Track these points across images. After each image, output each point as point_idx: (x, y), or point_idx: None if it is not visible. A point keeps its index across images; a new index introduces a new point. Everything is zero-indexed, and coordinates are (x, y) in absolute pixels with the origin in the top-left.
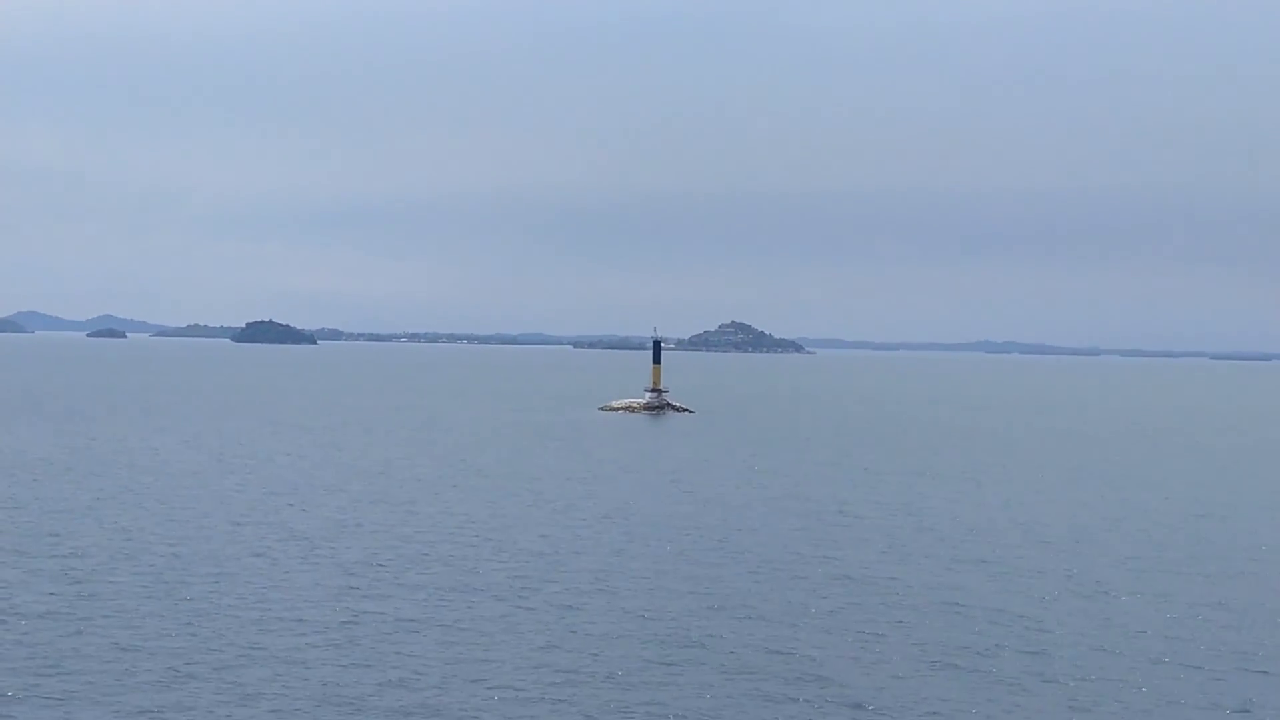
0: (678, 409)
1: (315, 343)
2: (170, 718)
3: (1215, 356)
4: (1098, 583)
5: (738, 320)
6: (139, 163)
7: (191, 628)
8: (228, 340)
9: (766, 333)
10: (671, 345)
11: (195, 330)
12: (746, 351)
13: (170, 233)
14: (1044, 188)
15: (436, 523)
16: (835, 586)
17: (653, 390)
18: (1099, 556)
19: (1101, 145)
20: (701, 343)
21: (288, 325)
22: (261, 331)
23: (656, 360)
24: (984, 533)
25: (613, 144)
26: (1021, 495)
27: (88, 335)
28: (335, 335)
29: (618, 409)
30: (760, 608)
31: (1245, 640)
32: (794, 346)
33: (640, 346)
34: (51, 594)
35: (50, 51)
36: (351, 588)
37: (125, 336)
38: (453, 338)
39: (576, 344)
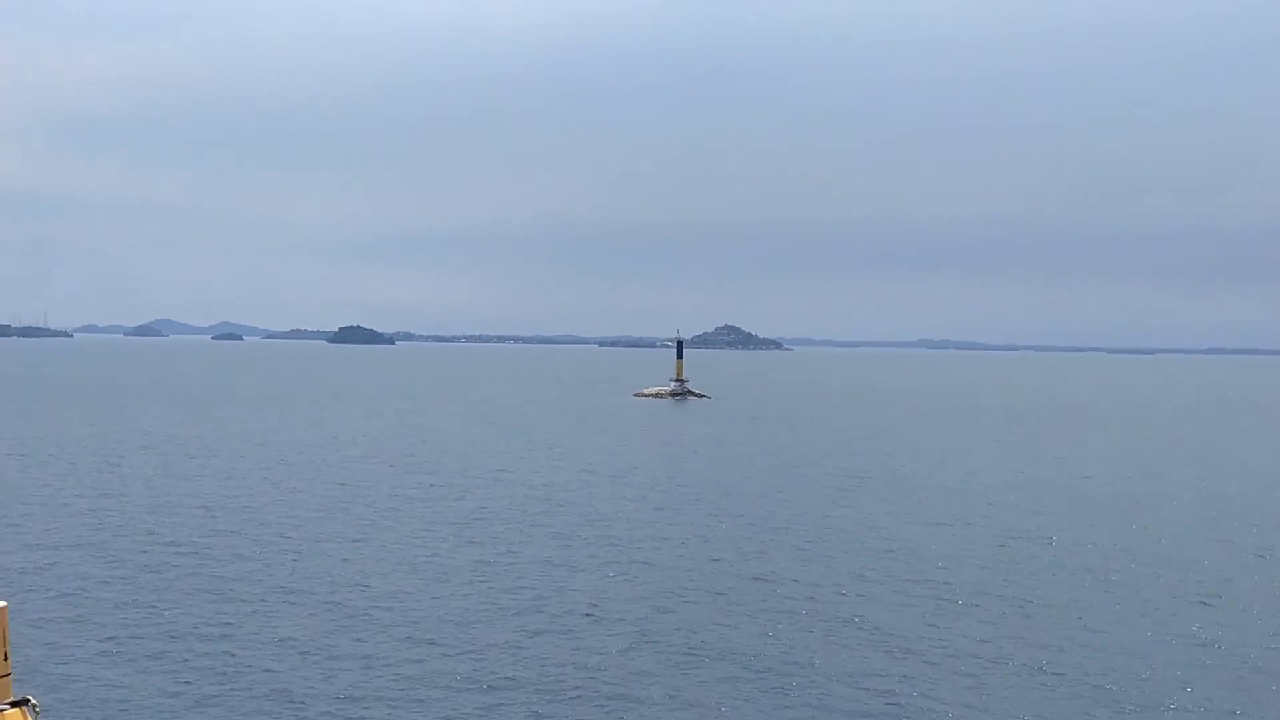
0: (696, 395)
1: (393, 343)
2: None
3: (1110, 351)
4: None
5: (730, 323)
6: (252, 200)
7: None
8: (324, 341)
9: (753, 333)
10: (678, 341)
11: (297, 334)
12: (737, 349)
13: (277, 255)
14: (972, 217)
15: (531, 489)
16: (819, 522)
17: (677, 380)
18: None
19: (1018, 184)
20: (700, 342)
21: (371, 329)
22: (350, 334)
23: (679, 356)
24: (956, 489)
25: (626, 182)
26: (967, 459)
27: (211, 338)
28: (409, 337)
29: (649, 395)
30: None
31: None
32: (775, 344)
33: (651, 345)
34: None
35: (181, 110)
36: (484, 536)
37: (241, 339)
38: (501, 338)
39: (600, 343)
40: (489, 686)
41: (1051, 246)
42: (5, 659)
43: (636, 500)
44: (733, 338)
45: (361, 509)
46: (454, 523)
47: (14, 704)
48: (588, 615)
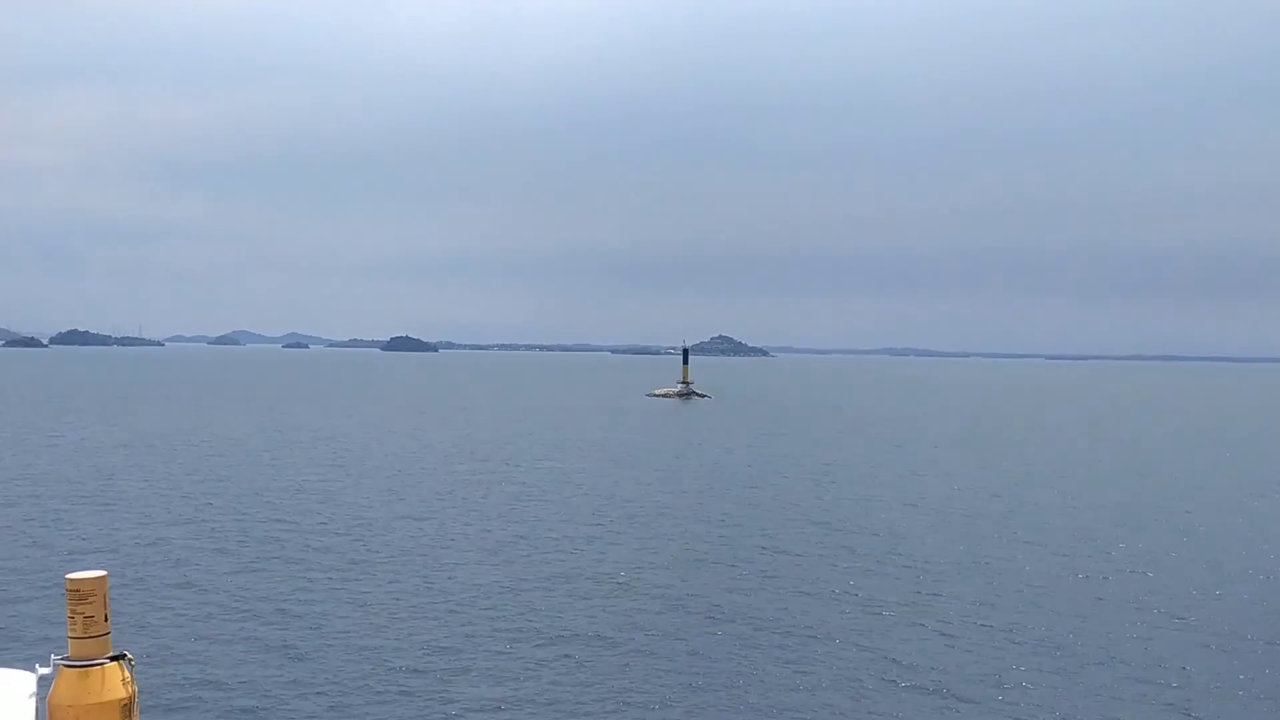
0: (700, 395)
1: (437, 351)
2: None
3: (1048, 357)
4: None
5: (723, 334)
6: (314, 228)
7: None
8: (377, 349)
9: (743, 342)
10: (675, 351)
11: (355, 343)
12: (729, 355)
13: (336, 275)
14: (928, 246)
15: (567, 474)
16: (809, 500)
17: (683, 383)
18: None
19: (965, 216)
20: (698, 350)
21: (418, 339)
22: (400, 343)
23: (685, 362)
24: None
25: (632, 214)
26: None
27: (282, 346)
28: (450, 346)
29: (660, 394)
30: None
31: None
32: (762, 352)
33: (656, 352)
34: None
35: (253, 152)
36: (537, 517)
37: (307, 347)
38: (528, 346)
39: (613, 350)
40: (542, 640)
41: (996, 267)
42: (105, 620)
43: (656, 482)
44: (725, 346)
45: (422, 491)
46: (503, 503)
47: (113, 658)
48: (621, 583)
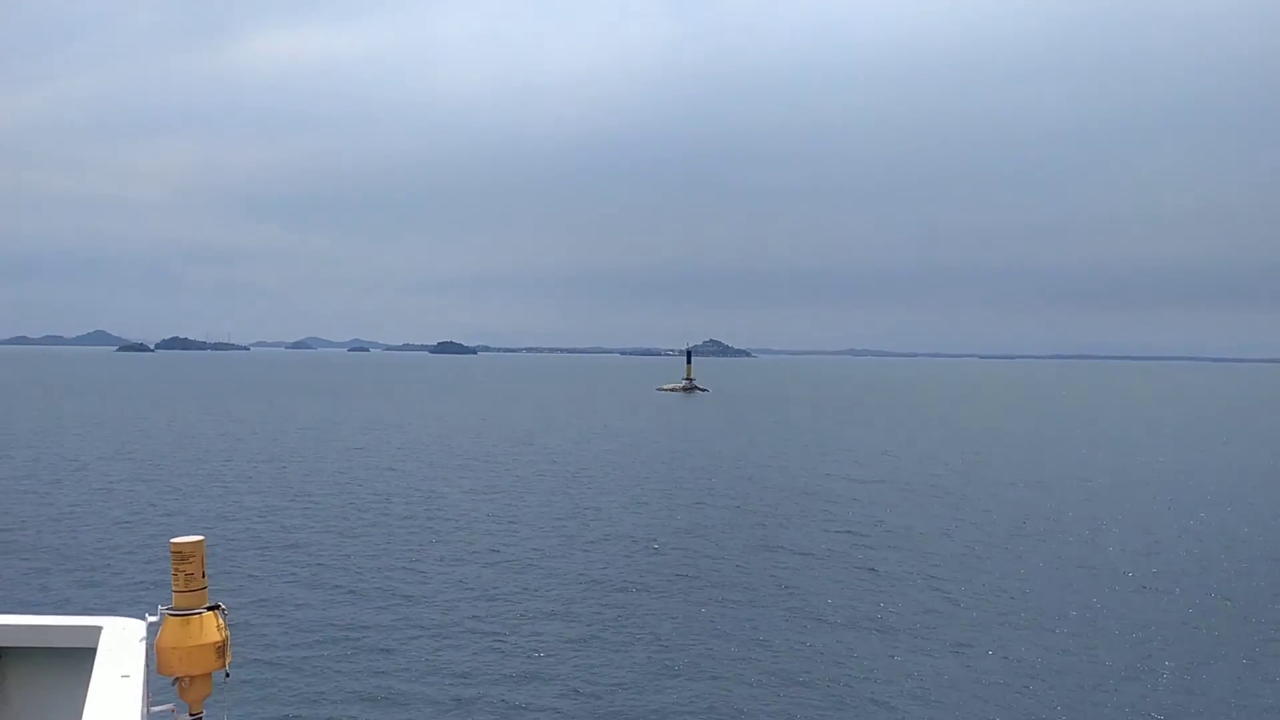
0: (700, 389)
1: (475, 353)
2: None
3: (982, 357)
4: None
5: (712, 338)
6: (373, 250)
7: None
8: (426, 352)
9: (729, 345)
10: (675, 353)
11: (407, 347)
12: (718, 356)
13: (392, 289)
14: (882, 265)
15: (594, 456)
16: (801, 476)
17: (687, 379)
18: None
19: (915, 237)
20: (696, 352)
21: (460, 343)
22: (445, 347)
23: (689, 362)
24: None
25: (637, 237)
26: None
27: (347, 350)
28: (486, 349)
29: (667, 389)
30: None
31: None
32: (745, 353)
33: (658, 354)
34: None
35: (322, 187)
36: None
37: (368, 350)
38: (551, 349)
39: (621, 352)
40: (569, 596)
41: (938, 283)
42: (203, 576)
43: (671, 463)
44: (714, 348)
45: (474, 471)
46: (544, 482)
47: (209, 608)
48: (648, 547)
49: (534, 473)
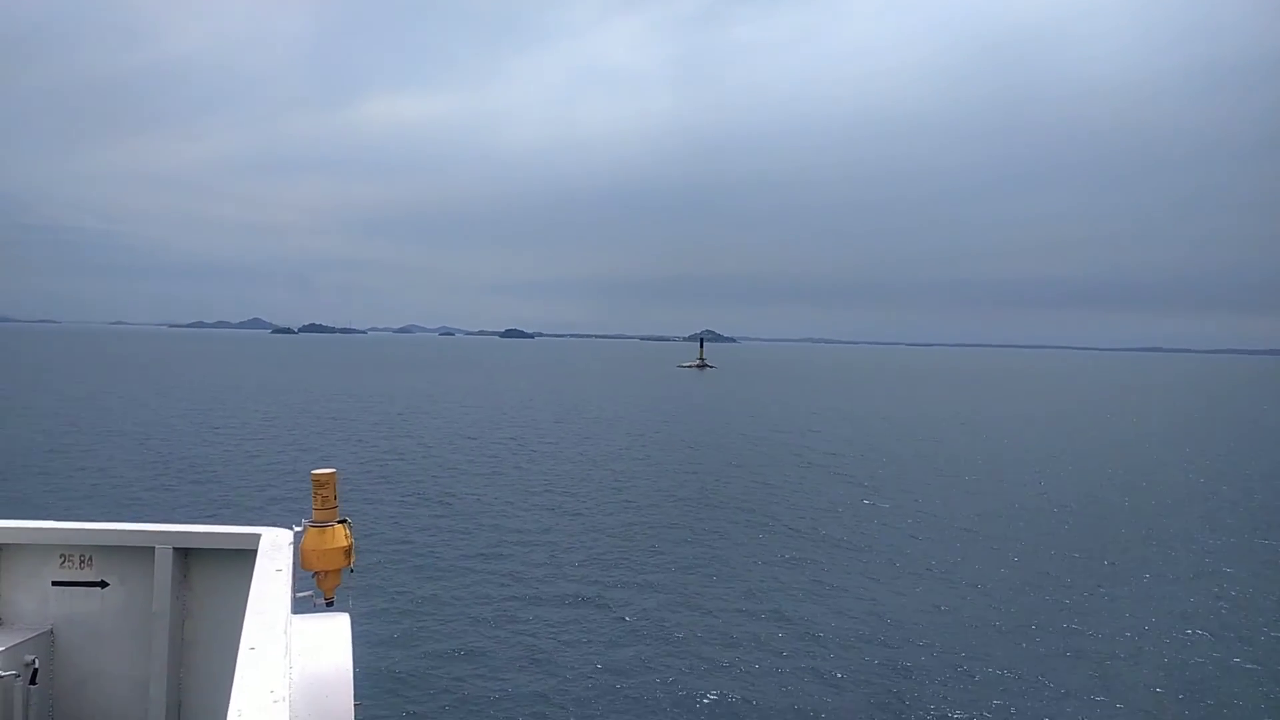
0: (711, 366)
1: (533, 338)
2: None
3: (910, 345)
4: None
5: (707, 328)
6: (456, 260)
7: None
8: (496, 337)
9: (720, 333)
10: (681, 339)
11: (482, 332)
12: (712, 342)
13: (472, 290)
14: (838, 274)
15: (635, 420)
16: (795, 437)
17: (700, 358)
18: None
19: (864, 251)
20: (691, 338)
21: (521, 330)
22: (511, 333)
23: (701, 345)
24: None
25: (651, 254)
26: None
27: (438, 334)
28: (541, 335)
29: (686, 366)
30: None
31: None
32: (732, 340)
33: (668, 340)
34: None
35: (419, 215)
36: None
37: (454, 334)
38: (587, 335)
39: (641, 339)
40: (605, 547)
41: (881, 289)
42: (335, 498)
43: (693, 422)
44: (710, 336)
45: (529, 441)
46: (613, 435)
47: (339, 521)
48: (675, 496)
49: (607, 423)
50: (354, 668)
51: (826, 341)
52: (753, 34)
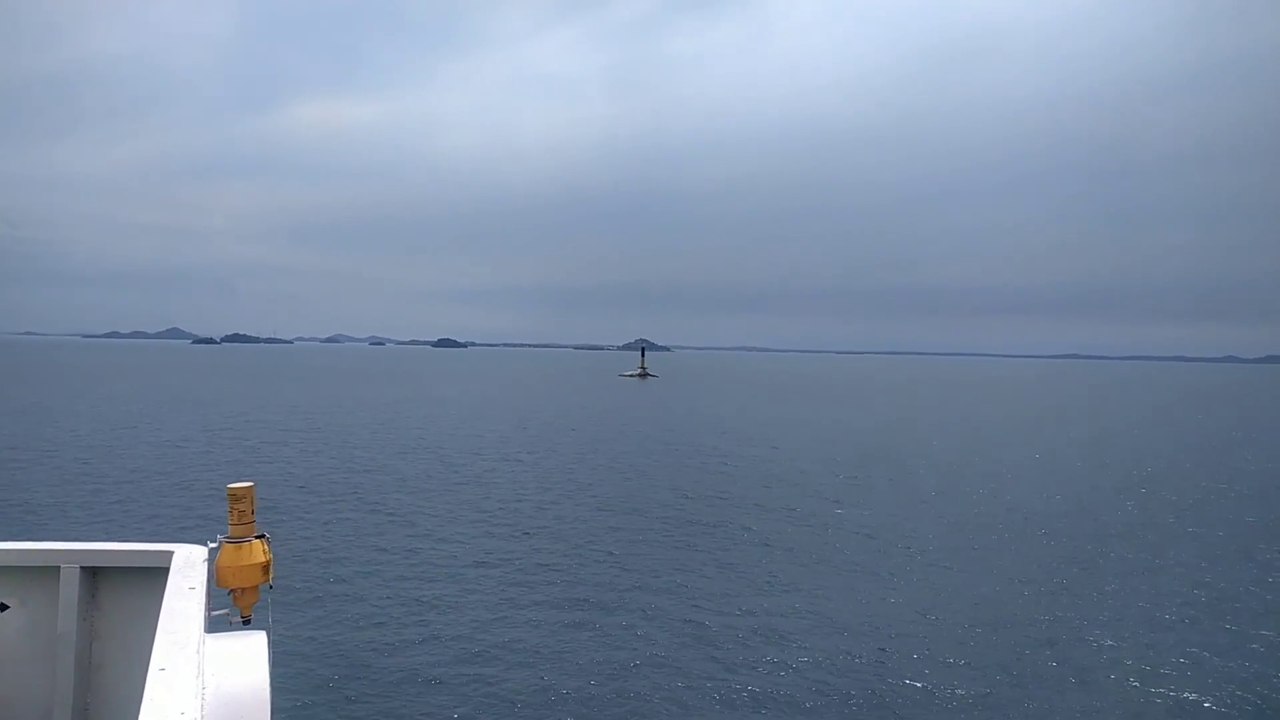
0: (653, 375)
1: (466, 347)
2: None
3: (838, 353)
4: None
5: (641, 337)
6: (390, 269)
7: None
8: (429, 346)
9: (654, 342)
10: (615, 348)
11: (414, 342)
12: (645, 351)
13: (404, 298)
14: (769, 284)
15: (576, 425)
16: (736, 435)
17: (642, 368)
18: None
19: (792, 263)
20: (629, 347)
21: (455, 339)
22: (444, 342)
23: (643, 355)
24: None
25: (584, 263)
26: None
27: (368, 344)
28: (473, 344)
29: (628, 375)
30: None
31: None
32: (666, 349)
33: (602, 349)
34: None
35: (353, 222)
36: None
37: (385, 344)
38: (521, 345)
39: (574, 347)
40: (539, 560)
41: (806, 298)
42: (252, 513)
43: (636, 429)
44: (644, 345)
45: (465, 454)
46: (525, 452)
47: (257, 537)
48: (628, 506)
49: (557, 433)
50: (272, 687)
51: (759, 350)
52: (689, 45)
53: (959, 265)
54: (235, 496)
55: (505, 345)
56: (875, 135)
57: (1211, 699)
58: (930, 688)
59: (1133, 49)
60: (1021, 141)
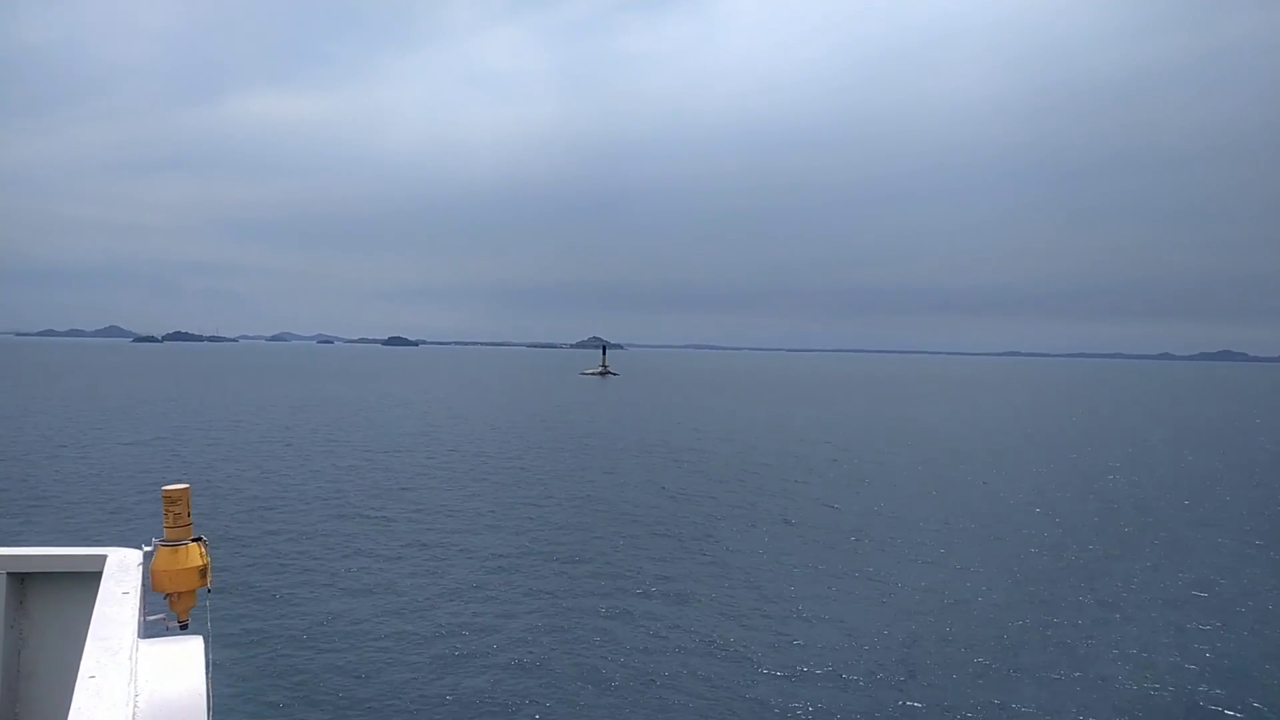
0: (613, 374)
1: (418, 346)
2: None
3: (788, 350)
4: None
5: (594, 335)
6: (339, 266)
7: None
8: (379, 345)
9: (608, 340)
10: (568, 346)
11: (363, 340)
12: (598, 349)
13: (354, 296)
14: (721, 283)
15: (543, 421)
16: (696, 430)
17: (603, 366)
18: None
19: (745, 263)
20: (582, 345)
21: (405, 338)
22: (394, 341)
23: (604, 353)
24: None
25: (540, 261)
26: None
27: (316, 342)
28: (424, 342)
29: (589, 373)
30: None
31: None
32: (619, 346)
33: (556, 347)
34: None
35: (298, 218)
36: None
37: (333, 343)
38: (472, 343)
39: (528, 346)
40: (490, 564)
41: (760, 297)
42: (188, 516)
43: (599, 423)
44: (596, 343)
45: (428, 444)
46: (490, 449)
47: (194, 539)
48: (591, 499)
49: (529, 431)
50: (211, 693)
51: (711, 348)
52: (638, 44)
53: (905, 266)
54: (171, 498)
55: (457, 344)
56: (823, 137)
57: (1157, 688)
58: (874, 687)
59: (1079, 54)
60: (971, 145)
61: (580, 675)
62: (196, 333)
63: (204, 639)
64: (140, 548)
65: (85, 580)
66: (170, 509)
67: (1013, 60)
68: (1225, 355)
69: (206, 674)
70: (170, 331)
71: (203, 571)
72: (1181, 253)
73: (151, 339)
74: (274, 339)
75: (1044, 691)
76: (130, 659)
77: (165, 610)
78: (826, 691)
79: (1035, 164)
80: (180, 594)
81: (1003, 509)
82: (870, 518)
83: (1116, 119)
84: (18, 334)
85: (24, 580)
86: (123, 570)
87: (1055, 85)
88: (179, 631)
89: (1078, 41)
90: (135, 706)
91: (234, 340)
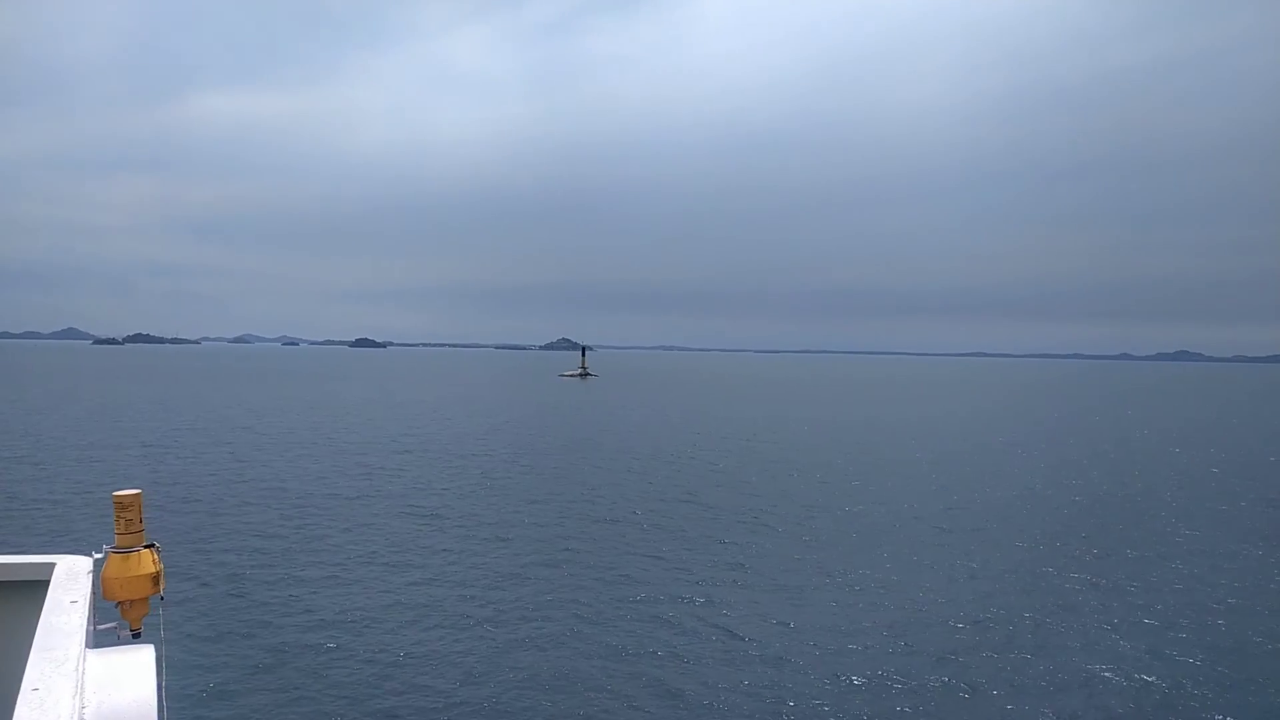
0: (592, 375)
1: (385, 348)
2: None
3: (757, 351)
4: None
5: (564, 336)
6: (300, 267)
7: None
8: (345, 347)
9: (577, 341)
10: (536, 348)
11: (329, 342)
12: (569, 350)
13: (318, 297)
14: (690, 284)
15: (523, 423)
16: (675, 426)
17: (582, 367)
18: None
19: (713, 264)
20: (551, 347)
21: (373, 340)
22: (361, 343)
23: (584, 355)
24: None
25: (510, 261)
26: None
27: (281, 344)
28: (392, 344)
29: (568, 375)
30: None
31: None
32: (590, 348)
33: (524, 349)
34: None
35: (257, 218)
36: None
37: (298, 344)
38: (440, 345)
39: (496, 347)
40: (456, 570)
41: (728, 299)
42: (140, 522)
43: (579, 423)
44: (566, 344)
45: (407, 443)
46: (473, 448)
47: (145, 546)
48: (583, 499)
49: (514, 431)
50: (163, 703)
51: (679, 349)
52: (606, 45)
53: (871, 268)
54: (122, 504)
55: (425, 345)
56: (793, 139)
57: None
58: (847, 691)
59: (1045, 59)
60: (939, 149)
61: (558, 676)
62: (158, 335)
63: (156, 648)
64: (90, 555)
65: (32, 589)
66: (122, 515)
67: (983, 65)
68: (1182, 355)
69: (159, 684)
70: (131, 333)
71: (155, 579)
72: (1141, 255)
73: (113, 341)
74: (237, 340)
75: (1014, 694)
76: (77, 670)
77: (117, 619)
78: (806, 689)
79: (1003, 169)
80: (132, 602)
81: (976, 507)
82: (870, 517)
83: (1083, 125)
84: None
85: None
86: (71, 578)
87: (1024, 89)
88: (131, 640)
89: (1041, 47)
90: (81, 718)
91: (196, 342)
